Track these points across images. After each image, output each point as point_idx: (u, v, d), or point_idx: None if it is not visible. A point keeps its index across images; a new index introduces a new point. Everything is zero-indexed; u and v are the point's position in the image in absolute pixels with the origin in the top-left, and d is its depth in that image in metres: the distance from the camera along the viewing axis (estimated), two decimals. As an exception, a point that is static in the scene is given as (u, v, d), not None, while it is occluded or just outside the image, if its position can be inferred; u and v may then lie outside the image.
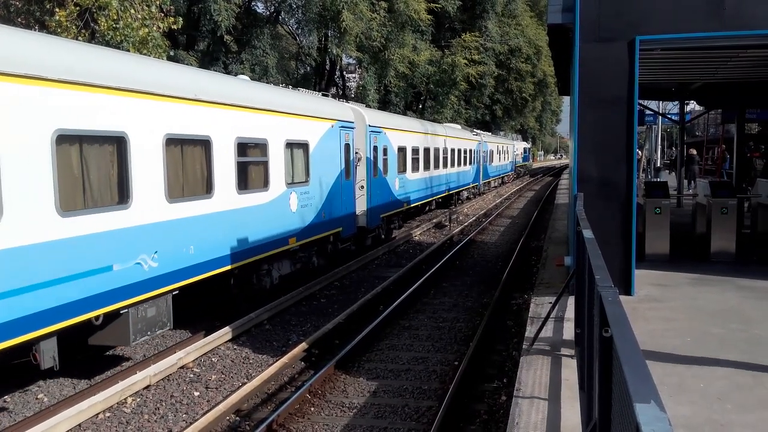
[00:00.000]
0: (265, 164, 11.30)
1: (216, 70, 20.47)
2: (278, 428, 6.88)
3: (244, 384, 8.16)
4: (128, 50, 14.03)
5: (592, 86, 8.76)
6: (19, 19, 14.81)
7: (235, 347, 9.69)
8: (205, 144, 9.50)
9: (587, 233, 5.14)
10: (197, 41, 25.43)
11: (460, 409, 7.34)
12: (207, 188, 9.57)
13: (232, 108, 10.16)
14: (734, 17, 8.20)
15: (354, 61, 36.03)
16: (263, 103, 11.24)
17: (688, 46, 8.90)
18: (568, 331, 7.51)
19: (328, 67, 33.69)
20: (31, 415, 7.16)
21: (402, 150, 20.96)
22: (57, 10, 14.11)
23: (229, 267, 10.18)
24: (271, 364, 8.74)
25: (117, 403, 7.56)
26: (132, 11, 14.59)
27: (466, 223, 24.41)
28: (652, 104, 27.75)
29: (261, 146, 11.16)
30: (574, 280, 7.12)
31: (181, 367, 8.74)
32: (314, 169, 13.34)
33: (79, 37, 14.06)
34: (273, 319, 11.13)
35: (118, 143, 7.77)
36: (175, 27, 16.20)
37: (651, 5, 8.49)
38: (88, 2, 14.05)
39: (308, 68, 32.92)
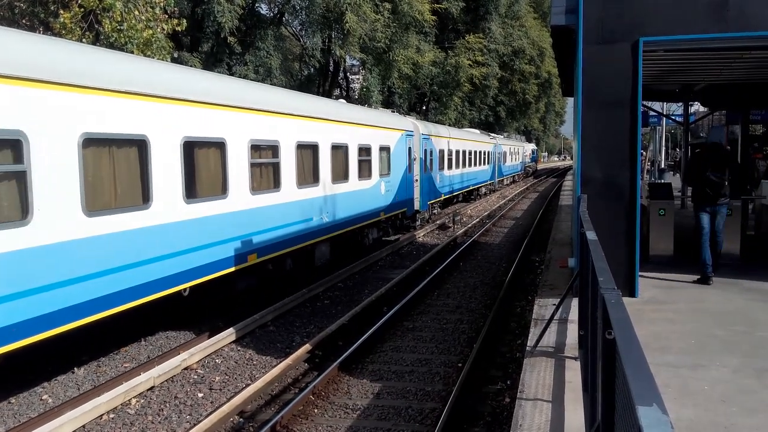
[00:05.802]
0: (369, 161, 16.52)
1: (220, 72, 20.53)
2: (282, 430, 6.88)
3: (248, 385, 8.17)
4: (132, 52, 14.06)
5: (596, 88, 8.73)
6: (24, 21, 14.84)
7: (239, 348, 9.71)
8: (345, 148, 14.78)
9: (590, 235, 5.13)
10: (201, 43, 25.47)
11: (463, 411, 7.34)
12: (345, 176, 14.83)
13: (356, 126, 15.60)
14: (738, 18, 8.17)
15: (358, 63, 36.06)
16: (370, 121, 16.73)
17: (692, 48, 8.87)
18: (572, 333, 7.50)
19: (331, 68, 33.73)
20: (35, 416, 7.17)
21: (441, 152, 26.16)
22: (61, 11, 14.14)
23: (354, 227, 15.54)
24: (275, 366, 8.76)
25: (121, 404, 7.58)
26: (136, 13, 14.63)
27: (469, 225, 24.40)
28: (656, 105, 27.71)
29: (368, 149, 16.41)
30: (577, 281, 7.12)
31: (185, 369, 8.76)
32: (393, 165, 18.66)
33: (83, 39, 14.09)
34: (277, 321, 11.15)
35: (314, 150, 13.04)
36: (179, 29, 16.24)
37: (654, 7, 8.47)
38: (93, 4, 14.08)
39: (312, 69, 32.91)
